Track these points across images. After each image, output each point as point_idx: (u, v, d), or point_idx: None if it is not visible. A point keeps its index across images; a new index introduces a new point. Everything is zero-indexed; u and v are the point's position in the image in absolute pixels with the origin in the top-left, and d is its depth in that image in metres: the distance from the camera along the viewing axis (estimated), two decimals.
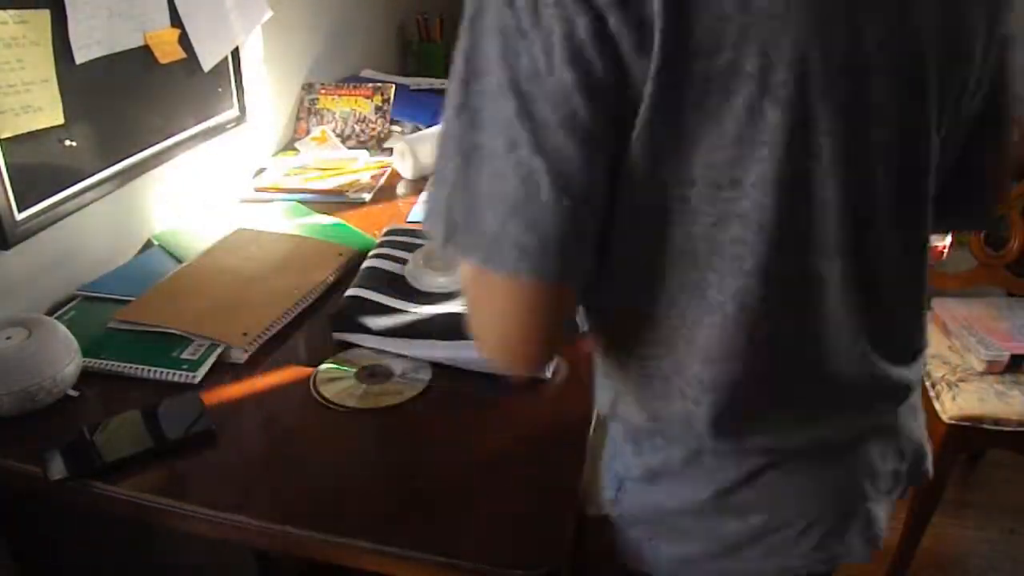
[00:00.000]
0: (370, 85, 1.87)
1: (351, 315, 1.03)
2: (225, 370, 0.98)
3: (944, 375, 1.66)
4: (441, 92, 2.13)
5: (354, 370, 0.98)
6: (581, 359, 1.03)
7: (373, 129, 1.82)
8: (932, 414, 1.59)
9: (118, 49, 1.20)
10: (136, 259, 1.27)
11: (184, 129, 1.40)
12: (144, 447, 0.84)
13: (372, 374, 0.97)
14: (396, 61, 2.44)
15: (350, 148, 1.76)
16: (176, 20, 1.33)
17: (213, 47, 1.43)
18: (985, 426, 1.55)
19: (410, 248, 1.18)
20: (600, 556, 0.79)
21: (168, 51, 1.32)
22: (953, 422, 1.56)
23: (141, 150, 1.29)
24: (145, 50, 1.27)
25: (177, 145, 1.38)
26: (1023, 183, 1.70)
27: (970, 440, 1.59)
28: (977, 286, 1.89)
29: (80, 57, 1.11)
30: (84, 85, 1.12)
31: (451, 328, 1.01)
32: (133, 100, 1.26)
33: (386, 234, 1.26)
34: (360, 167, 1.66)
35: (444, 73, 2.34)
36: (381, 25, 2.35)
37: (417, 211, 1.48)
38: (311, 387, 0.95)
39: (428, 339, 1.00)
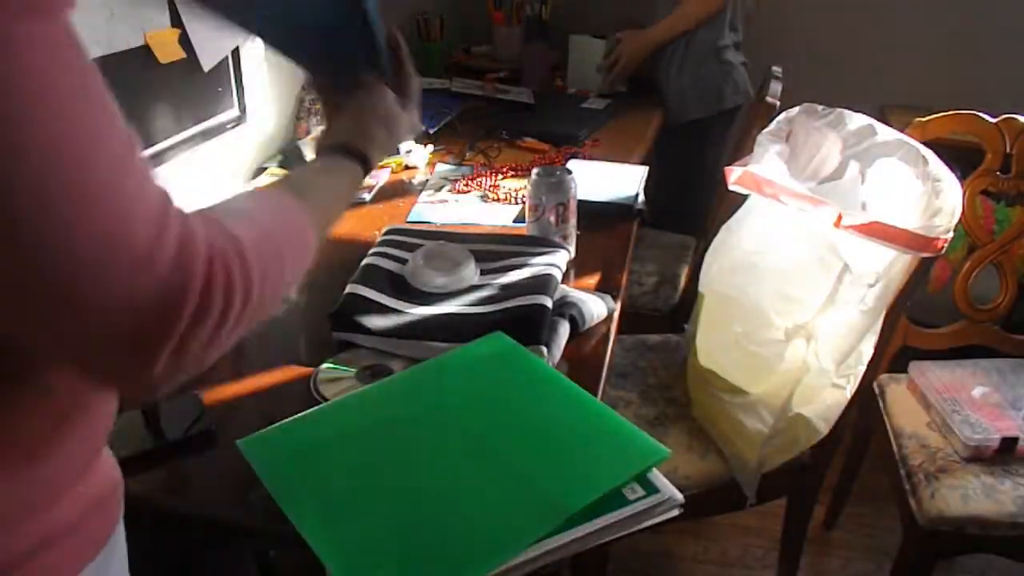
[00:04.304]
0: None
1: (350, 312, 1.03)
2: (225, 367, 0.98)
3: (922, 463, 1.39)
4: (441, 92, 2.13)
5: (354, 370, 0.98)
6: (581, 358, 1.03)
7: None
8: (907, 514, 1.36)
9: (118, 49, 1.20)
10: None
11: (184, 129, 1.40)
12: (144, 447, 0.84)
13: (372, 374, 0.97)
14: None
15: None
16: (176, 20, 1.32)
17: (213, 47, 1.43)
18: (969, 531, 1.29)
19: (410, 248, 1.18)
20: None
21: (168, 51, 1.32)
22: (931, 527, 1.30)
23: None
24: (145, 50, 1.26)
25: (177, 145, 1.38)
26: (1007, 233, 1.56)
27: (950, 546, 1.34)
28: (962, 342, 1.61)
29: None
30: None
31: (451, 328, 1.01)
32: (133, 100, 1.25)
33: (386, 234, 1.26)
34: None
35: (444, 73, 2.35)
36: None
37: (418, 211, 1.48)
38: (311, 387, 0.95)
39: (428, 339, 1.00)
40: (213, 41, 1.43)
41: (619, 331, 1.16)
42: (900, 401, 1.56)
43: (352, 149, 0.78)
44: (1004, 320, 1.62)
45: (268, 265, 0.52)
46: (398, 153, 1.19)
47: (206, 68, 1.42)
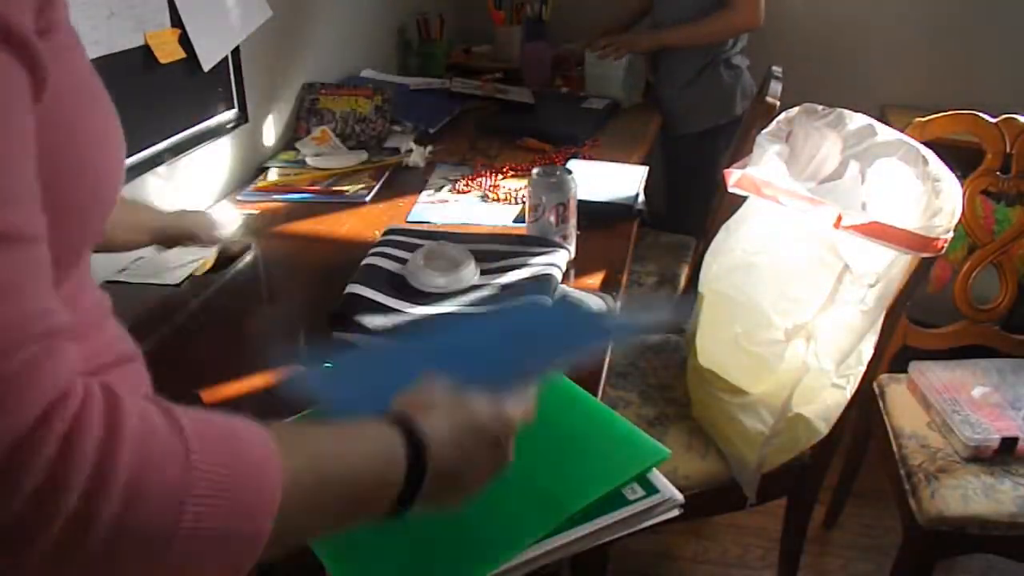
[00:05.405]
0: (370, 85, 1.87)
1: (350, 312, 1.03)
2: (225, 367, 0.97)
3: (922, 463, 1.38)
4: (441, 92, 2.13)
5: None
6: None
7: (373, 129, 1.82)
8: (907, 514, 1.36)
9: (118, 49, 1.20)
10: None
11: (184, 129, 1.40)
12: None
13: None
14: (396, 61, 2.44)
15: (350, 148, 1.76)
16: (176, 20, 1.32)
17: (213, 47, 1.43)
18: (969, 531, 1.29)
19: (410, 248, 1.18)
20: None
21: (168, 51, 1.32)
22: (931, 527, 1.30)
23: (141, 150, 1.29)
24: (145, 50, 1.27)
25: (177, 145, 1.38)
26: (1007, 233, 1.56)
27: (950, 546, 1.33)
28: (962, 342, 1.61)
29: None
30: None
31: None
32: (133, 100, 1.26)
33: (386, 234, 1.26)
34: (360, 167, 1.65)
35: (444, 73, 2.36)
36: (381, 25, 2.35)
37: (418, 211, 1.48)
38: None
39: None
40: (213, 41, 1.43)
41: None
42: (900, 401, 1.55)
43: (404, 421, 0.55)
44: (1004, 320, 1.62)
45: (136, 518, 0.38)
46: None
47: (206, 68, 1.42)
